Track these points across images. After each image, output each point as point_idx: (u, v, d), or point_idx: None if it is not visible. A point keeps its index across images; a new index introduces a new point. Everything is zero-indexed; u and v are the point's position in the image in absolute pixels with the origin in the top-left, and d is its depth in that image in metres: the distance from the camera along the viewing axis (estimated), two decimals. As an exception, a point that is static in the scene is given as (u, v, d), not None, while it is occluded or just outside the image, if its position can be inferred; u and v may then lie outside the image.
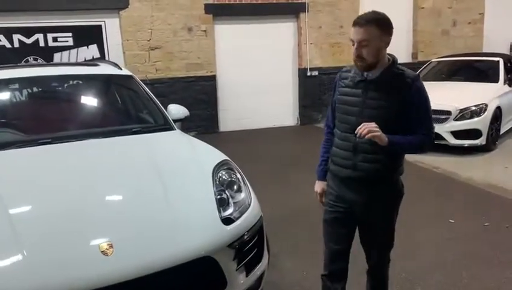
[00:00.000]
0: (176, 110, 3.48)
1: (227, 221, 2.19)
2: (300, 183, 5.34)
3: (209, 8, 8.51)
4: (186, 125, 8.48)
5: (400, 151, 2.07)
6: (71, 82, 3.48)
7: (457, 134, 6.31)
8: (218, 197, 2.31)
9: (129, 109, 3.55)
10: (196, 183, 2.37)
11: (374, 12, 1.97)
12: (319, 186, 2.36)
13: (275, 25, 9.12)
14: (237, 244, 2.16)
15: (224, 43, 8.86)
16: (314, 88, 9.37)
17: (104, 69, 3.65)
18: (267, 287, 3.03)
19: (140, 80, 8.16)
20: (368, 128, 1.88)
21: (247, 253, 2.27)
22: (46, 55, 8.01)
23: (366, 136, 1.88)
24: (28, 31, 7.89)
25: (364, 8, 9.14)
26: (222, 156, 2.70)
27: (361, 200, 2.11)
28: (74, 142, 2.78)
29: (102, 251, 1.82)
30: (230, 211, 2.27)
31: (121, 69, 3.70)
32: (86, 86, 3.52)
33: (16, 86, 3.19)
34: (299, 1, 8.98)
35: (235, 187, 2.47)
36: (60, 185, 2.28)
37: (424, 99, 2.01)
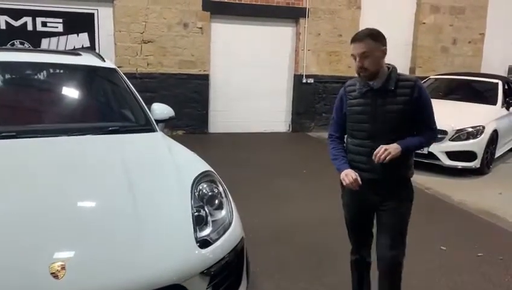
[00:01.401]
0: (160, 110, 3.21)
1: (203, 243, 1.94)
2: (287, 194, 5.12)
3: (207, 5, 8.26)
4: (173, 123, 8.31)
5: (412, 151, 2.33)
6: (48, 71, 3.19)
7: (451, 155, 6.12)
8: (196, 214, 2.05)
9: (108, 104, 3.27)
10: (172, 197, 2.11)
11: (367, 29, 2.28)
12: (350, 172, 2.31)
13: (274, 28, 8.91)
14: (213, 271, 1.91)
15: (220, 42, 8.61)
16: (308, 96, 9.16)
17: (85, 59, 3.36)
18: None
19: (130, 74, 8.02)
20: (384, 154, 2.16)
21: (224, 280, 2.02)
22: (34, 40, 7.69)
23: (386, 159, 2.17)
24: (16, 13, 7.57)
25: (365, 18, 9.00)
26: (205, 166, 2.44)
27: (379, 200, 2.35)
28: (41, 139, 2.50)
29: (52, 273, 1.56)
30: (207, 231, 2.01)
31: (104, 60, 3.43)
32: (64, 76, 3.24)
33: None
34: (300, 6, 8.76)
35: (216, 203, 2.22)
36: (13, 189, 2.00)
37: (427, 97, 2.29)
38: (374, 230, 2.56)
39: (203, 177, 2.31)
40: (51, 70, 3.22)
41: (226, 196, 2.30)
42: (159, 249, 1.81)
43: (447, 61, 9.89)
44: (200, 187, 2.24)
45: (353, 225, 2.55)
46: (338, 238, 3.83)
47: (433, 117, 2.32)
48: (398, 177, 2.34)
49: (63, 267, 1.57)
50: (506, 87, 7.35)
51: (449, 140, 6.11)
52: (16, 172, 2.16)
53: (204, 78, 8.52)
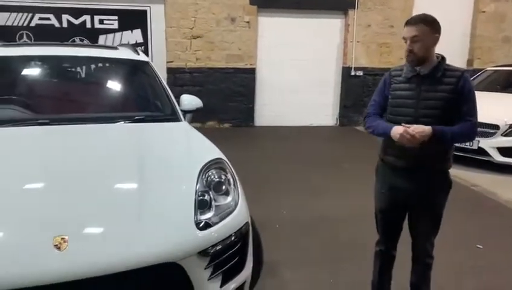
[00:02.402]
0: (188, 101, 3.33)
1: (203, 226, 2.02)
2: (322, 188, 5.09)
3: (254, -1, 8.35)
4: (219, 116, 8.50)
5: (447, 139, 2.24)
6: (86, 64, 3.44)
7: (503, 151, 5.77)
8: (200, 198, 2.14)
9: (138, 95, 3.46)
10: (179, 180, 2.21)
11: (423, 14, 2.29)
12: (398, 126, 2.24)
13: (322, 21, 8.82)
14: (212, 252, 1.99)
15: (267, 36, 8.67)
16: (357, 88, 8.99)
17: (120, 53, 3.57)
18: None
19: (180, 68, 8.30)
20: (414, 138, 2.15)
21: (226, 261, 2.09)
22: (92, 36, 8.20)
23: (416, 134, 2.15)
24: (76, 12, 8.11)
25: (418, 7, 8.64)
26: (216, 154, 2.52)
27: (415, 189, 2.33)
28: (70, 126, 2.73)
29: (55, 245, 1.72)
30: (209, 215, 2.09)
31: (139, 54, 3.62)
32: (100, 69, 3.48)
33: (30, 64, 3.19)
34: (349, -3, 8.60)
35: (223, 189, 2.29)
36: (37, 167, 2.21)
37: (471, 89, 2.26)
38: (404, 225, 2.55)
39: (213, 164, 2.39)
40: (89, 64, 3.47)
41: (234, 183, 2.37)
42: (157, 228, 1.92)
43: (510, 52, 9.26)
44: (210, 173, 2.32)
45: (383, 216, 2.53)
46: (365, 233, 3.79)
47: (475, 111, 2.26)
48: (434, 167, 2.32)
49: (65, 240, 1.73)
50: None
51: (501, 135, 5.76)
52: (40, 153, 2.38)
53: (251, 72, 8.63)
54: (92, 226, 1.89)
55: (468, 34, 9.26)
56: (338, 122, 9.22)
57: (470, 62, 9.29)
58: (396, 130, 2.21)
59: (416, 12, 8.65)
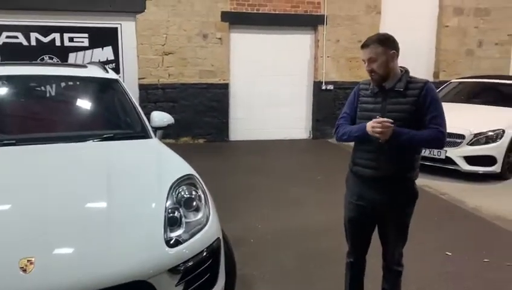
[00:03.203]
0: (159, 118, 3.34)
1: (173, 243, 2.03)
2: (297, 200, 5.14)
3: (225, 16, 8.44)
4: (193, 132, 8.50)
5: (403, 139, 2.27)
6: (54, 83, 3.40)
7: (470, 160, 5.97)
8: (170, 215, 2.15)
9: (107, 113, 3.44)
10: (148, 198, 2.22)
11: (376, 34, 2.41)
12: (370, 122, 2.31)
13: (292, 36, 8.98)
14: (182, 269, 1.99)
15: (239, 52, 8.76)
16: (328, 102, 9.14)
17: (89, 71, 3.56)
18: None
19: (152, 85, 8.28)
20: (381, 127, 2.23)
21: (197, 278, 2.10)
22: (62, 54, 8.10)
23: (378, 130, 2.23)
24: (45, 30, 8.00)
25: (386, 23, 8.92)
26: (187, 170, 2.53)
27: (383, 199, 2.39)
28: (37, 145, 2.69)
29: (21, 267, 1.69)
30: (179, 232, 2.10)
31: (108, 72, 3.61)
32: (67, 87, 3.45)
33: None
34: (318, 13, 8.80)
35: (193, 205, 2.30)
36: (3, 188, 2.18)
37: (436, 97, 2.33)
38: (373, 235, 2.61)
39: (183, 180, 2.40)
40: (57, 82, 3.43)
41: (205, 199, 2.38)
42: (126, 247, 1.91)
43: (473, 64, 9.62)
44: (180, 190, 2.33)
45: (351, 225, 2.58)
46: (339, 245, 3.84)
47: (441, 120, 2.30)
48: (402, 177, 2.38)
49: (31, 262, 1.71)
50: (531, 89, 7.09)
51: (467, 144, 5.96)
52: (6, 173, 2.35)
53: (224, 87, 8.69)
54: (59, 247, 1.87)
55: (434, 48, 9.59)
56: (311, 136, 9.34)
57: (436, 74, 9.60)
58: (370, 124, 2.28)
59: (383, 27, 8.99)
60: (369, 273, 2.74)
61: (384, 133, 2.23)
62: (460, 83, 7.90)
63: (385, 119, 2.24)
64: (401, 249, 2.56)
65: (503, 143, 5.96)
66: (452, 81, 8.05)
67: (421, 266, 3.53)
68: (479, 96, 7.50)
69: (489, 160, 5.94)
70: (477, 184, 5.93)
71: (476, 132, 5.98)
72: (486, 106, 6.92)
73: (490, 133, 5.98)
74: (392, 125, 2.22)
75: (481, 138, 5.98)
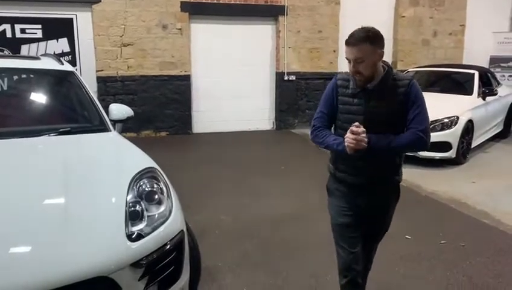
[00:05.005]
0: (118, 110, 3.25)
1: (135, 237, 1.99)
2: (261, 191, 5.16)
3: (185, 6, 8.31)
4: (155, 125, 8.37)
5: (389, 152, 2.14)
6: (6, 76, 3.23)
7: (427, 146, 6.17)
8: (131, 209, 2.10)
9: (63, 107, 3.31)
10: (108, 192, 2.16)
11: (364, 30, 2.06)
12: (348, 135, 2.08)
13: (253, 27, 8.96)
14: (145, 263, 1.96)
15: (200, 43, 8.66)
16: (291, 93, 9.21)
17: (43, 63, 3.42)
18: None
19: (111, 77, 8.07)
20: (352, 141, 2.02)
21: (161, 271, 2.07)
22: (13, 46, 7.72)
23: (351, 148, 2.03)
24: (-6, 21, 7.62)
25: (345, 13, 9.05)
26: (148, 163, 2.48)
27: (368, 203, 2.24)
28: (-12, 141, 2.57)
29: (-27, 269, 1.62)
30: (141, 226, 2.06)
31: (63, 64, 3.48)
32: (21, 80, 3.30)
33: None
34: (279, 4, 8.81)
35: (155, 198, 2.26)
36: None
37: (418, 95, 2.11)
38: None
39: (144, 173, 2.36)
40: (10, 75, 3.27)
41: (167, 192, 2.35)
42: (87, 243, 1.86)
43: (429, 53, 9.95)
44: (141, 183, 2.29)
45: (347, 230, 2.29)
46: (305, 233, 3.92)
47: (423, 118, 2.09)
48: (385, 182, 2.25)
49: (-16, 263, 1.64)
50: (483, 77, 7.40)
51: (424, 131, 6.15)
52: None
53: (186, 79, 8.57)
54: (16, 246, 1.80)
55: (391, 38, 9.82)
56: (274, 126, 9.39)
57: (393, 64, 9.83)
58: (348, 140, 2.05)
59: (342, 17, 9.12)
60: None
61: (359, 147, 2.01)
62: (416, 72, 8.13)
63: (359, 135, 1.99)
64: (376, 247, 2.54)
65: (457, 129, 6.21)
66: (409, 70, 8.28)
67: (382, 250, 3.61)
68: (434, 84, 7.76)
69: (445, 146, 6.17)
70: (434, 169, 6.16)
71: (432, 119, 6.16)
72: (442, 94, 7.16)
73: (446, 120, 6.21)
74: (366, 141, 2.00)
75: (437, 125, 6.20)
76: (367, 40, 2.02)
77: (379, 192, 2.26)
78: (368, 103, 2.12)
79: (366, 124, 2.05)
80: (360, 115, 2.12)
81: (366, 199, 2.25)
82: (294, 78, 9.11)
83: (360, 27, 2.09)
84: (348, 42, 2.06)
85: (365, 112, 2.11)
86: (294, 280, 3.16)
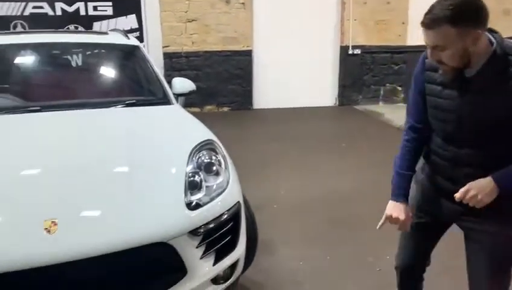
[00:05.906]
0: (180, 84, 3.32)
1: (193, 206, 2.04)
2: (321, 168, 5.09)
3: (248, -21, 8.23)
4: (218, 100, 8.49)
5: None
6: (76, 50, 3.42)
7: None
8: (190, 179, 2.16)
9: (129, 80, 3.46)
10: (169, 162, 2.23)
11: (446, 3, 1.40)
12: (399, 210, 1.73)
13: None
14: (203, 231, 2.01)
15: (263, 17, 8.56)
16: (355, 67, 8.90)
17: (110, 38, 3.57)
18: (259, 274, 2.91)
19: (176, 53, 8.25)
20: (471, 201, 1.51)
21: (218, 240, 2.12)
22: (86, 24, 8.11)
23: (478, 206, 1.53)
24: (70, 0, 8.03)
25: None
26: (207, 135, 2.53)
27: (463, 212, 1.66)
28: (60, 112, 2.74)
29: (45, 228, 1.74)
30: (199, 195, 2.11)
31: (129, 38, 3.60)
32: (89, 54, 3.46)
33: (18, 51, 3.18)
34: (344, -26, 8.47)
35: (213, 169, 2.30)
36: (26, 152, 2.23)
37: None
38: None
39: (204, 145, 2.40)
40: (79, 50, 3.45)
41: (225, 164, 2.38)
42: (149, 210, 1.94)
43: (510, 24, 9.13)
44: (200, 154, 2.33)
45: (414, 232, 1.86)
46: (362, 212, 3.83)
47: None
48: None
49: (55, 223, 1.76)
50: None
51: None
52: (31, 139, 2.40)
53: (248, 54, 8.56)
54: (82, 210, 1.92)
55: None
56: (337, 102, 9.17)
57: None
58: (390, 213, 1.70)
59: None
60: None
61: (479, 202, 1.50)
62: None
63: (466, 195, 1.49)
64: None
65: None
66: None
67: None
68: None
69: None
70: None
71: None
72: None
73: None
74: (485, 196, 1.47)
75: None
76: (448, 20, 1.39)
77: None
78: (463, 97, 1.52)
79: (457, 125, 1.56)
80: (451, 113, 1.57)
81: (461, 205, 1.63)
82: (359, 52, 8.78)
83: None
84: (422, 22, 1.47)
85: (459, 109, 1.54)
86: (352, 258, 3.12)
